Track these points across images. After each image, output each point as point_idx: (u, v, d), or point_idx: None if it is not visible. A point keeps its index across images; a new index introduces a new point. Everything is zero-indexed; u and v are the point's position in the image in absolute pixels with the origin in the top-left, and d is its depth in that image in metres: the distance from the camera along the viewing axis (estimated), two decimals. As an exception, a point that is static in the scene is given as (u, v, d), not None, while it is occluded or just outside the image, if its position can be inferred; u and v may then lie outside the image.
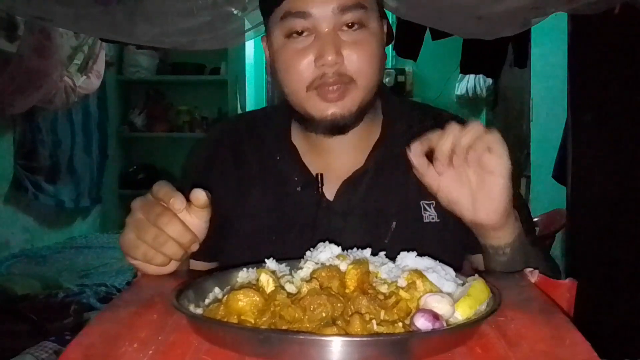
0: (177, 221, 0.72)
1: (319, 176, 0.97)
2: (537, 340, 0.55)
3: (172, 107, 4.39)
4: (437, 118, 1.04)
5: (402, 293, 0.61)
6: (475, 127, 0.76)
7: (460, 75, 4.67)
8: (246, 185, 1.00)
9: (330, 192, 0.98)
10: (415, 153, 0.79)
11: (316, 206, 0.97)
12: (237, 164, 1.02)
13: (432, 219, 0.96)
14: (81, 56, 2.91)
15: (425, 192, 0.94)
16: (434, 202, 0.96)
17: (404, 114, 1.03)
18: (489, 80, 4.64)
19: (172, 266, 0.75)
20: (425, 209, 0.97)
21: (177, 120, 4.35)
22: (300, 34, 0.90)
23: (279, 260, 0.71)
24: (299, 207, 0.97)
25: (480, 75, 4.58)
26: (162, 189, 0.74)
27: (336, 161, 0.99)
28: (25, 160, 3.23)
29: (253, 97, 4.63)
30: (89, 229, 3.94)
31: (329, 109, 0.90)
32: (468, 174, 0.79)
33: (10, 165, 3.15)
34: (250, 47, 4.62)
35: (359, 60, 0.90)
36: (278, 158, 1.00)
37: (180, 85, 4.42)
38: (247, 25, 2.22)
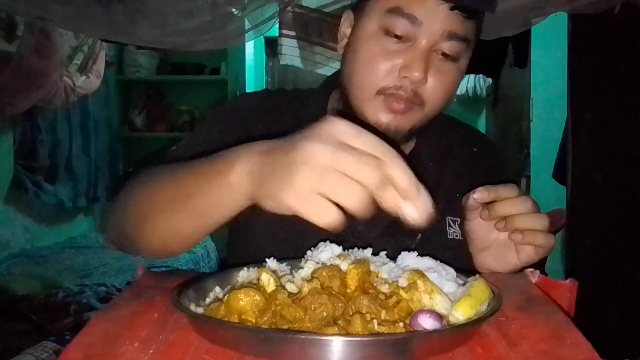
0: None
1: None
2: (538, 340, 0.55)
3: (172, 107, 4.39)
4: (466, 135, 1.07)
5: (403, 293, 0.61)
6: (545, 222, 0.78)
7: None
8: None
9: None
10: (479, 199, 0.78)
11: None
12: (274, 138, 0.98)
13: (456, 235, 0.95)
14: (81, 56, 2.90)
15: (451, 209, 0.95)
16: (459, 219, 0.96)
17: (437, 128, 1.01)
18: (489, 80, 4.64)
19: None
20: (450, 225, 0.96)
21: (177, 120, 4.35)
22: (398, 36, 0.84)
23: (280, 259, 0.71)
24: None
25: (480, 75, 4.58)
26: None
27: None
28: (25, 160, 3.23)
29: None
30: (89, 229, 3.94)
31: (386, 118, 0.87)
32: (500, 234, 0.82)
33: (10, 165, 3.15)
34: (250, 47, 4.62)
35: (437, 89, 0.86)
36: None
37: (180, 85, 4.42)
38: (247, 25, 2.23)
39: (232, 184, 0.59)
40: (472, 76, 4.71)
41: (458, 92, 4.91)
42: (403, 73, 0.84)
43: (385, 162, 0.52)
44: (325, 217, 0.52)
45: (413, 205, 0.53)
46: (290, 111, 1.00)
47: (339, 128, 0.53)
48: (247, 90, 4.55)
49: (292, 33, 2.42)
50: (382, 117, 0.87)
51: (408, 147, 1.00)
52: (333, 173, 0.51)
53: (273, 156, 0.56)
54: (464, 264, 0.82)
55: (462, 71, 0.89)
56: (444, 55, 0.85)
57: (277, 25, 2.36)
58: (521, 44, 2.90)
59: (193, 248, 3.37)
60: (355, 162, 0.51)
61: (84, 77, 2.96)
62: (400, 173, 0.53)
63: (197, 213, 0.66)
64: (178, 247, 0.76)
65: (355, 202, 0.51)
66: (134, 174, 0.83)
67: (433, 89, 0.86)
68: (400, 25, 0.83)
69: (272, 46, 4.73)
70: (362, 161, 0.51)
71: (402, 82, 0.84)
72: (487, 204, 0.79)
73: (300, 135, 0.54)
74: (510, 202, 0.78)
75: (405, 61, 0.84)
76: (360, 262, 0.65)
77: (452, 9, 0.82)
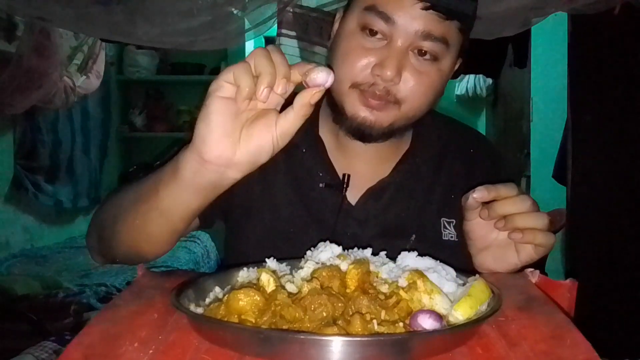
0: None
1: (346, 177, 0.95)
2: (538, 340, 0.55)
3: (172, 107, 4.39)
4: (464, 135, 1.07)
5: (403, 293, 0.61)
6: (545, 221, 0.78)
7: (461, 75, 4.67)
8: (271, 172, 0.97)
9: (352, 196, 0.96)
10: (479, 198, 0.79)
11: (337, 207, 0.95)
12: None
13: (451, 237, 0.96)
14: (81, 56, 2.90)
15: (446, 210, 0.96)
16: (454, 220, 0.96)
17: (434, 129, 1.02)
18: (489, 80, 4.63)
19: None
20: (445, 227, 0.96)
21: (177, 120, 4.35)
22: (374, 34, 0.85)
23: (280, 259, 0.71)
24: (320, 204, 0.96)
25: (480, 75, 4.57)
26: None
27: (361, 165, 0.97)
28: (25, 160, 3.22)
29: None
30: (89, 229, 3.93)
31: (363, 112, 0.87)
32: (500, 234, 0.82)
33: (10, 165, 3.14)
34: (250, 47, 4.62)
35: (413, 89, 0.86)
36: (304, 150, 0.98)
37: (180, 85, 4.42)
38: (247, 25, 2.22)
39: (179, 164, 0.69)
40: (472, 76, 4.70)
41: (458, 92, 4.92)
42: (375, 71, 0.85)
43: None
44: (220, 89, 0.67)
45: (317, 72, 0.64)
46: None
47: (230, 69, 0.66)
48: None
49: (293, 33, 2.42)
50: (359, 110, 0.88)
51: (402, 147, 1.00)
52: (229, 71, 0.65)
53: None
54: (459, 265, 0.84)
55: (444, 73, 0.89)
56: (422, 55, 0.85)
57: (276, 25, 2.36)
58: (521, 44, 2.89)
59: (193, 248, 3.38)
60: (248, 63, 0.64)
61: (84, 77, 2.96)
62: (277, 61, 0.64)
63: (160, 210, 0.74)
64: (148, 246, 0.81)
65: (248, 81, 0.63)
66: (132, 175, 0.88)
67: (410, 89, 0.86)
68: (376, 23, 0.85)
69: (272, 46, 4.73)
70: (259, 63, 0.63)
71: (374, 80, 0.85)
72: (487, 204, 0.79)
73: None
74: (510, 201, 0.78)
75: (378, 59, 0.85)
76: (360, 262, 0.65)
77: (426, 8, 0.82)
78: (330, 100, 0.94)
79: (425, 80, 0.86)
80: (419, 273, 0.63)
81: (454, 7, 0.83)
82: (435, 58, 0.86)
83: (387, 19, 0.84)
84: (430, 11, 0.83)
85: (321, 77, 0.65)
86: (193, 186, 0.70)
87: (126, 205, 0.81)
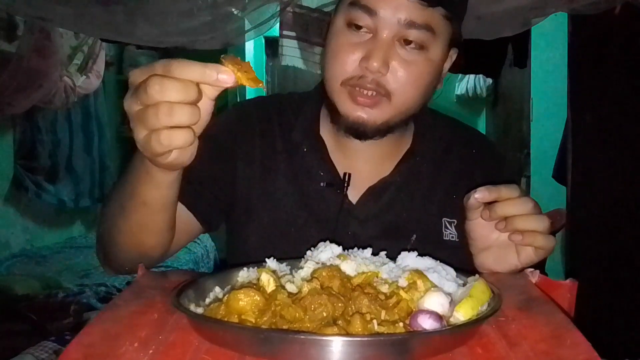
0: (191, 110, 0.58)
1: (347, 176, 0.95)
2: (538, 340, 0.55)
3: (172, 107, 4.38)
4: (466, 136, 1.07)
5: (403, 293, 0.61)
6: (545, 223, 0.78)
7: (460, 75, 4.67)
8: (272, 172, 0.97)
9: (353, 195, 0.96)
10: (480, 199, 0.79)
11: (338, 206, 0.95)
12: (264, 146, 0.99)
13: (452, 237, 0.96)
14: (81, 56, 2.91)
15: (448, 210, 0.96)
16: (455, 221, 0.96)
17: (435, 129, 1.02)
18: (489, 80, 4.64)
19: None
20: (446, 227, 0.97)
21: (177, 120, 4.34)
22: (359, 28, 0.86)
23: (280, 259, 0.71)
24: (321, 204, 0.96)
25: (480, 75, 4.57)
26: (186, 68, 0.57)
27: (362, 164, 0.97)
28: (25, 160, 3.23)
29: (253, 97, 4.62)
30: (89, 229, 3.94)
31: (357, 112, 0.88)
32: (500, 235, 0.82)
33: (10, 165, 3.15)
34: (250, 47, 4.62)
35: (402, 79, 0.86)
36: (305, 150, 0.98)
37: (180, 85, 4.41)
38: (247, 25, 2.23)
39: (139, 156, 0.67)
40: (472, 76, 4.71)
41: (458, 92, 4.92)
42: (363, 63, 0.85)
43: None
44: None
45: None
46: (280, 117, 1.02)
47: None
48: (247, 90, 4.56)
49: (293, 33, 2.42)
50: (351, 109, 0.88)
51: (403, 147, 1.00)
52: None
53: None
54: (459, 265, 0.84)
55: (434, 63, 0.89)
56: (408, 44, 0.86)
57: (277, 26, 2.36)
58: (521, 44, 2.89)
59: (193, 248, 3.38)
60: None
61: (84, 77, 2.97)
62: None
63: (147, 203, 0.74)
64: (149, 240, 0.80)
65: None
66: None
67: (398, 79, 0.86)
68: (359, 17, 0.86)
69: (272, 46, 4.73)
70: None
71: (363, 72, 0.86)
72: (488, 204, 0.80)
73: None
74: (511, 202, 0.78)
75: (365, 52, 0.86)
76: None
77: None
78: (326, 99, 0.94)
79: (414, 70, 0.87)
80: (419, 273, 0.63)
81: None
82: (422, 47, 0.86)
83: (370, 11, 0.85)
84: (413, 0, 0.83)
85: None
86: (164, 182, 0.71)
87: (117, 210, 0.80)
